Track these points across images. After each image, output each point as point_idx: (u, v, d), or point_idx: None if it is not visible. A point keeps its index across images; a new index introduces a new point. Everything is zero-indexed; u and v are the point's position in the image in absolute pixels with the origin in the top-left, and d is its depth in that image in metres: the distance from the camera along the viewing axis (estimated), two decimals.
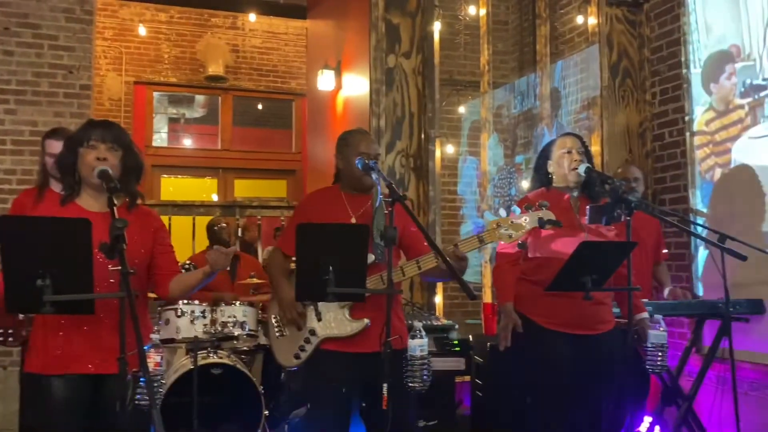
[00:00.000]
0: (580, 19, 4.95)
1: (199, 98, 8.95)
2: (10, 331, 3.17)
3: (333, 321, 2.53)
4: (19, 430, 4.16)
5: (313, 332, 2.55)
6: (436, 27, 4.24)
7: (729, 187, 3.85)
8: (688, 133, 4.12)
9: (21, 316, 3.16)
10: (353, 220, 2.58)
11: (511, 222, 2.32)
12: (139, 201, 2.21)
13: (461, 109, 5.73)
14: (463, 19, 5.19)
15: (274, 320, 2.68)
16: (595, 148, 4.32)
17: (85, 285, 1.79)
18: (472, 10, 5.29)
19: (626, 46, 4.48)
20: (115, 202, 1.95)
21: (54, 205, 2.19)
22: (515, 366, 2.91)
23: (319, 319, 2.55)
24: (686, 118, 4.14)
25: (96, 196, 2.13)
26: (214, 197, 8.69)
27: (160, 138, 8.79)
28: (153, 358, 1.88)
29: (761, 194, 3.58)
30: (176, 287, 2.24)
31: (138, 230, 2.12)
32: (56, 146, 3.13)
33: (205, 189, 8.98)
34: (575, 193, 2.86)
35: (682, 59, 4.18)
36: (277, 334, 2.66)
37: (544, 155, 2.96)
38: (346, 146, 2.64)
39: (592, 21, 4.45)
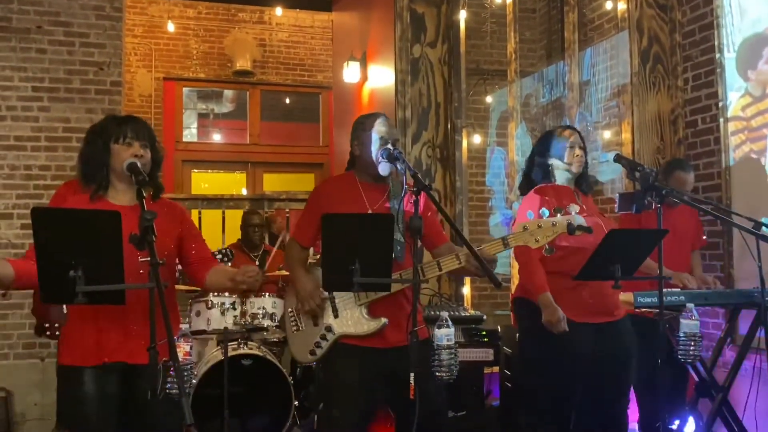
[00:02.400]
0: (609, 5, 4.86)
1: (228, 93, 9.03)
2: (56, 325, 3.28)
3: (350, 319, 2.47)
4: (57, 420, 4.29)
5: (329, 329, 2.49)
6: (462, 15, 4.20)
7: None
8: (722, 119, 4.01)
9: (66, 310, 3.26)
10: (370, 211, 2.50)
11: (539, 226, 2.26)
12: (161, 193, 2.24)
13: (488, 99, 5.68)
14: (490, 7, 5.12)
15: (290, 314, 2.62)
16: (625, 136, 4.25)
17: (116, 276, 1.82)
18: None
19: (657, 32, 4.37)
20: (144, 194, 1.98)
21: (83, 200, 2.22)
22: (543, 358, 2.90)
23: (336, 316, 2.49)
24: (720, 104, 4.04)
25: (124, 190, 2.16)
26: (244, 191, 8.78)
27: (190, 133, 8.90)
28: (182, 348, 1.91)
29: None
30: (213, 281, 2.25)
31: (165, 222, 2.15)
32: None
33: (235, 183, 9.07)
34: (571, 185, 2.89)
35: (716, 43, 4.07)
36: (294, 328, 2.60)
37: (544, 147, 2.93)
38: (362, 131, 2.55)
39: (622, 6, 4.36)
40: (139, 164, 2.09)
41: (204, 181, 8.76)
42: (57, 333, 3.28)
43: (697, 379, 3.43)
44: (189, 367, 1.93)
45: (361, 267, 2.06)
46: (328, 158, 8.72)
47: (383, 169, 2.46)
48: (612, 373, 2.83)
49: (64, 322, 3.22)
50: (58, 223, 1.77)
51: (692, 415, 3.55)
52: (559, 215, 2.25)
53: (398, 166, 2.34)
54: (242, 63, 8.24)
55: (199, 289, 4.06)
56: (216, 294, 3.74)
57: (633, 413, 3.62)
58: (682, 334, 2.37)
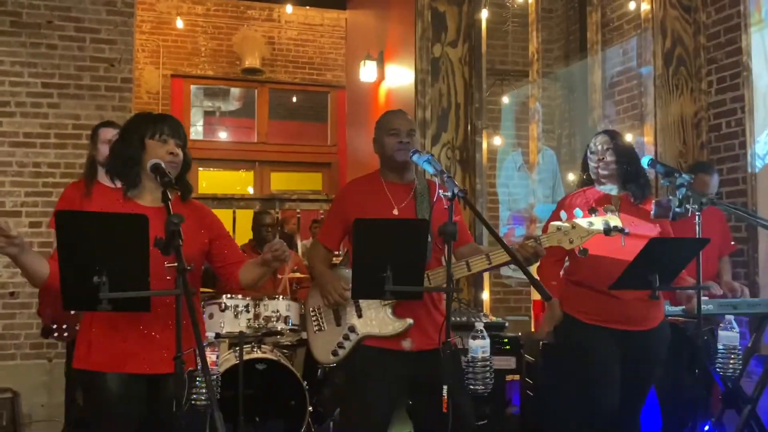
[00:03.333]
0: (632, 5, 4.78)
1: (234, 91, 8.95)
2: (64, 326, 3.20)
3: (374, 319, 2.42)
4: (65, 422, 4.21)
5: (352, 329, 2.44)
6: (484, 15, 4.12)
7: None
8: (748, 124, 3.93)
9: (73, 311, 3.19)
10: (395, 212, 2.46)
11: (573, 226, 2.19)
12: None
13: (505, 99, 5.59)
14: (511, 6, 5.04)
15: (312, 314, 2.56)
16: (647, 139, 4.17)
17: (141, 282, 1.74)
18: None
19: (680, 33, 4.29)
20: (169, 196, 1.90)
21: (108, 199, 2.14)
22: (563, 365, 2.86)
23: (360, 316, 2.44)
24: (746, 108, 3.96)
25: (152, 189, 2.08)
26: (250, 190, 8.70)
27: (196, 131, 8.82)
28: (209, 357, 1.83)
29: None
30: (245, 277, 2.17)
31: (193, 225, 2.08)
32: (112, 133, 3.12)
33: (240, 182, 8.99)
34: (614, 191, 2.81)
35: (742, 45, 3.99)
36: (315, 328, 2.54)
37: (587, 153, 2.91)
38: (378, 129, 2.55)
39: (645, 7, 4.28)
40: (163, 164, 2.00)
41: (210, 180, 8.68)
42: (65, 335, 3.21)
43: (723, 389, 3.36)
44: (216, 377, 1.85)
45: (393, 273, 1.99)
46: (336, 158, 8.64)
47: (400, 156, 2.44)
48: (632, 381, 2.78)
49: (77, 323, 3.16)
50: (83, 226, 1.69)
51: (716, 428, 3.47)
52: (593, 216, 2.18)
53: (430, 169, 2.26)
54: (251, 61, 8.17)
55: (211, 291, 3.99)
56: (229, 296, 3.66)
57: (655, 421, 3.55)
58: (721, 347, 2.29)
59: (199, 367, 1.79)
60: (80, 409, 4.03)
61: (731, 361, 2.27)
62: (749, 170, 3.92)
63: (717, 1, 4.21)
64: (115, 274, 1.70)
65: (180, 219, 1.76)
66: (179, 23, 7.82)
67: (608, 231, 2.15)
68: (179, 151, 2.10)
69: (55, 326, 3.20)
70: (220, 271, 2.20)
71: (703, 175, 3.54)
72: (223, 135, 9.18)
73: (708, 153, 4.24)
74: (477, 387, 1.99)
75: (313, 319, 2.55)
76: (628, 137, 4.79)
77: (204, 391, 1.80)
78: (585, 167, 2.89)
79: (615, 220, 2.15)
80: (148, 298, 1.81)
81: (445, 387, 1.97)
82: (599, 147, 2.79)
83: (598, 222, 2.15)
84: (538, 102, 4.62)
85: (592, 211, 2.19)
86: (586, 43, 4.80)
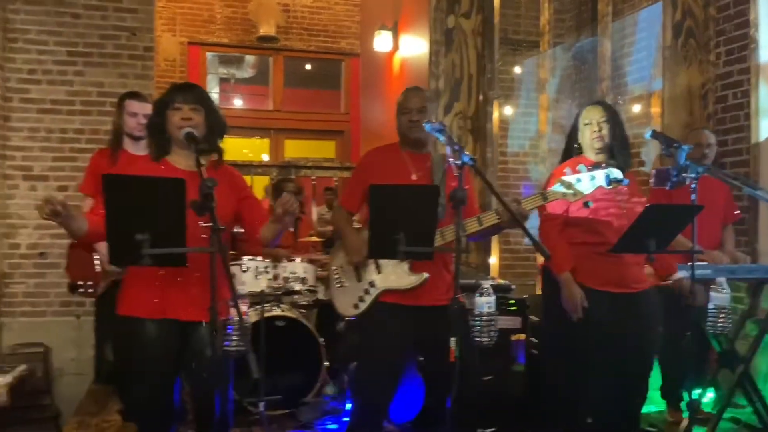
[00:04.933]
0: None
1: (249, 58, 9.04)
2: (89, 283, 3.40)
3: (392, 273, 2.60)
4: (95, 375, 4.46)
5: (372, 284, 2.63)
6: None
7: None
8: (753, 95, 4.02)
9: (98, 268, 3.39)
10: (414, 177, 2.64)
11: (578, 179, 2.35)
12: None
13: (516, 69, 5.68)
14: None
15: (335, 271, 2.76)
16: (655, 110, 4.27)
17: (178, 240, 1.93)
18: None
19: (691, 5, 4.35)
20: (202, 162, 2.07)
21: (135, 165, 2.32)
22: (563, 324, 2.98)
23: (379, 272, 2.62)
24: (752, 80, 4.04)
25: (185, 155, 2.25)
26: (264, 157, 8.85)
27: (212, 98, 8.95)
28: (241, 308, 2.01)
29: None
30: (265, 234, 2.33)
31: (226, 188, 2.24)
32: (136, 106, 3.28)
33: (254, 149, 9.14)
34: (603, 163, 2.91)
35: (751, 18, 4.06)
36: (338, 285, 2.74)
37: (574, 125, 2.99)
38: (397, 107, 2.73)
39: None
40: (195, 133, 2.17)
41: (224, 146, 8.82)
42: (90, 290, 3.41)
43: (719, 351, 3.52)
44: (247, 325, 2.03)
45: (406, 235, 2.15)
46: (349, 125, 8.75)
47: (411, 133, 2.64)
48: (632, 343, 2.91)
49: (101, 280, 3.36)
50: (128, 189, 1.87)
51: (712, 386, 3.65)
52: (596, 170, 2.33)
53: (441, 138, 2.41)
54: (266, 29, 8.25)
55: (233, 253, 4.19)
56: (250, 258, 3.85)
57: (654, 381, 3.73)
58: (712, 306, 2.45)
59: (230, 317, 1.98)
60: (112, 362, 4.29)
61: (720, 320, 2.43)
62: (752, 140, 4.02)
63: None
64: (156, 233, 1.88)
65: (213, 183, 1.93)
66: None
67: (609, 182, 2.30)
68: (193, 115, 2.24)
69: (80, 283, 3.41)
70: (247, 228, 2.37)
71: (696, 131, 3.65)
72: (237, 102, 9.30)
73: (714, 124, 4.33)
74: (482, 339, 2.17)
75: (336, 276, 2.75)
76: (636, 108, 4.90)
77: (234, 338, 2.00)
78: (574, 137, 2.96)
79: (615, 173, 2.31)
80: (185, 255, 1.99)
81: (452, 339, 2.14)
82: (595, 118, 2.86)
83: (599, 175, 2.31)
84: (548, 73, 4.71)
85: (595, 167, 2.34)
86: (597, 14, 4.86)
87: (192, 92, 2.30)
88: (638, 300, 2.89)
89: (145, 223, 1.87)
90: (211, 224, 1.91)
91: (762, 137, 4.01)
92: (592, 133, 2.87)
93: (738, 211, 3.83)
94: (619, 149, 2.88)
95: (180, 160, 2.28)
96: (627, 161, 2.87)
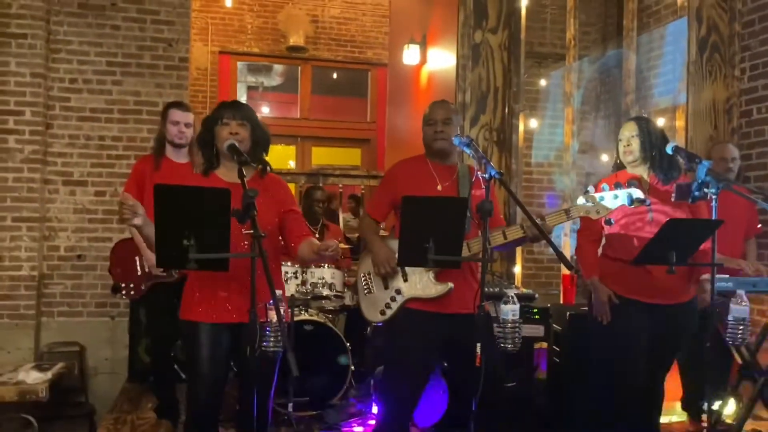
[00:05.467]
0: None
1: (277, 67, 9.22)
2: (131, 285, 3.56)
3: (419, 282, 2.69)
4: (129, 374, 4.62)
5: (399, 291, 2.72)
6: (523, 2, 4.30)
7: None
8: None
9: (140, 271, 3.55)
10: (439, 188, 2.73)
11: (600, 198, 2.44)
12: (268, 169, 2.47)
13: (542, 82, 5.76)
14: None
15: (362, 278, 2.85)
16: (679, 123, 4.32)
17: (222, 246, 2.05)
18: None
19: (716, 20, 4.41)
20: (245, 173, 2.20)
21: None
22: (594, 335, 3.06)
23: (405, 280, 2.71)
24: None
25: (230, 167, 2.39)
26: (291, 164, 9.02)
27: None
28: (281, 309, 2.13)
29: None
30: (303, 252, 2.44)
31: (269, 197, 2.38)
32: (179, 115, 3.44)
33: (278, 156, 9.30)
34: (645, 175, 2.99)
35: None
36: (366, 291, 2.83)
37: (617, 139, 3.10)
38: (423, 119, 2.84)
39: None
40: (237, 144, 2.31)
41: None
42: (132, 293, 3.57)
43: (740, 362, 3.57)
44: (287, 324, 2.15)
45: (435, 244, 2.26)
46: (375, 134, 8.88)
47: (436, 145, 2.74)
48: (658, 352, 2.98)
49: (143, 283, 3.51)
50: (177, 198, 2.00)
51: (733, 397, 3.69)
52: (618, 189, 2.43)
53: (468, 151, 2.51)
54: (296, 39, 8.42)
55: None
56: (281, 263, 3.98)
57: (676, 392, 3.78)
58: (731, 318, 2.51)
59: (268, 319, 2.10)
60: (146, 362, 4.45)
61: (740, 332, 2.50)
62: None
63: None
64: (201, 239, 2.01)
65: (255, 193, 2.06)
66: (228, 1, 8.09)
67: (631, 202, 2.39)
68: (240, 130, 2.38)
69: (123, 285, 3.57)
70: (285, 241, 2.50)
71: (719, 145, 3.72)
72: (265, 110, 9.49)
73: (738, 138, 4.38)
74: (507, 345, 2.26)
75: (364, 283, 2.84)
76: (661, 121, 4.95)
77: (272, 339, 2.12)
78: (617, 151, 3.09)
79: (637, 193, 2.40)
80: (227, 260, 2.12)
81: (478, 344, 2.24)
82: (626, 134, 2.99)
83: (622, 194, 2.40)
84: (574, 86, 4.79)
85: (617, 186, 2.44)
86: (622, 28, 4.94)
87: (240, 109, 2.45)
88: (677, 312, 2.94)
89: (192, 230, 2.00)
90: (252, 231, 2.03)
91: None
92: (623, 148, 3.00)
93: (760, 225, 3.87)
94: (657, 161, 2.93)
95: (226, 173, 2.42)
96: (668, 174, 2.92)
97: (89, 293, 5.00)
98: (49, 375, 4.26)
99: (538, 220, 2.44)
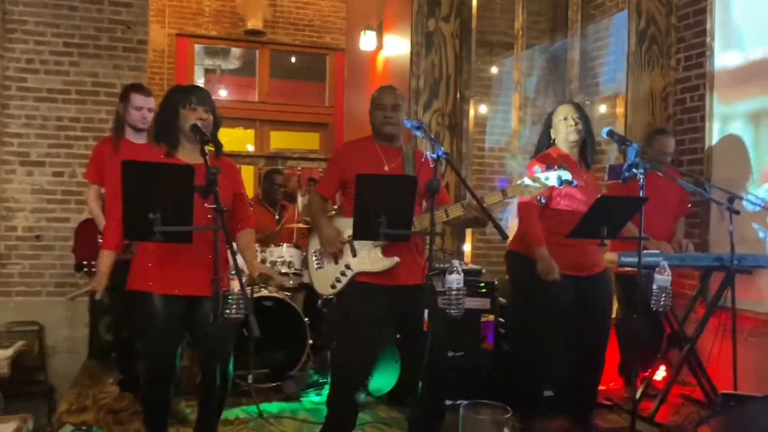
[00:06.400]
0: None
1: (235, 50, 9.21)
2: (93, 262, 3.64)
3: (367, 257, 2.84)
4: (88, 352, 4.69)
5: (348, 266, 2.87)
6: None
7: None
8: (708, 100, 4.36)
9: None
10: (386, 168, 2.87)
11: (533, 180, 2.66)
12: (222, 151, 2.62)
13: (493, 70, 5.98)
14: None
15: (313, 254, 3.01)
16: (620, 110, 4.59)
17: (186, 219, 2.19)
18: None
19: (654, 13, 4.68)
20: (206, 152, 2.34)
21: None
22: (530, 305, 3.29)
23: (354, 255, 2.86)
24: (707, 85, 4.38)
25: (192, 149, 2.52)
26: (249, 147, 9.07)
27: None
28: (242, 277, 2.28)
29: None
30: (240, 241, 2.71)
31: (226, 176, 2.52)
32: (141, 100, 3.51)
33: (238, 139, 9.33)
34: (575, 156, 3.23)
35: (707, 27, 4.39)
36: (316, 266, 2.98)
37: (548, 122, 3.31)
38: (371, 102, 2.96)
39: None
40: (200, 125, 2.44)
41: None
42: (94, 269, 3.65)
43: (669, 331, 3.87)
44: (247, 293, 2.31)
45: (386, 219, 2.44)
46: (333, 119, 8.99)
47: (385, 129, 2.88)
48: (593, 319, 3.23)
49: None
50: (143, 174, 2.13)
51: (663, 363, 4.00)
52: (549, 171, 2.65)
53: (419, 134, 2.68)
54: (254, 22, 8.44)
55: None
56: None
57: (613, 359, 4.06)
58: (655, 287, 2.77)
59: (230, 288, 2.25)
60: (106, 339, 4.52)
61: (663, 299, 2.75)
62: (706, 142, 4.36)
63: None
64: (166, 213, 2.15)
65: (217, 170, 2.20)
66: None
67: (561, 183, 2.62)
68: (207, 116, 2.54)
69: (86, 263, 3.64)
70: (229, 220, 2.65)
71: (661, 136, 4.00)
72: (223, 93, 9.48)
73: (673, 125, 4.67)
74: (452, 310, 2.45)
75: (315, 259, 3.00)
76: (603, 108, 5.23)
77: (234, 307, 2.27)
78: (547, 133, 3.27)
79: (566, 175, 2.62)
80: (191, 232, 2.26)
81: (426, 311, 2.42)
82: (573, 115, 3.18)
83: (552, 176, 2.63)
84: (522, 74, 5.02)
85: (548, 168, 2.66)
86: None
87: (207, 96, 2.60)
88: (596, 281, 3.21)
89: (158, 204, 2.13)
90: (215, 206, 2.18)
91: (715, 140, 4.35)
92: (568, 127, 3.18)
93: (690, 205, 4.17)
94: (589, 145, 3.21)
95: (186, 154, 2.56)
96: (593, 157, 3.19)
97: (48, 273, 5.02)
98: (10, 352, 4.31)
99: (473, 201, 2.61)
